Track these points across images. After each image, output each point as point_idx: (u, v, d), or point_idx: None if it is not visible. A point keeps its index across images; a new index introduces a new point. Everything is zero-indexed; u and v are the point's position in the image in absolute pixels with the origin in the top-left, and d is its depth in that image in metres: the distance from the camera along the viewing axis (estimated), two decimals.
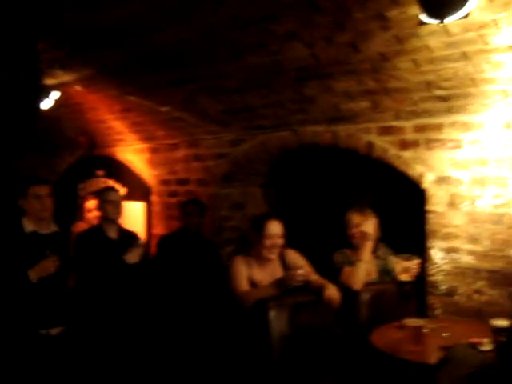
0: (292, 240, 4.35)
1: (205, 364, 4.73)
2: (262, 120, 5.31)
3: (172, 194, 6.62)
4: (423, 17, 2.96)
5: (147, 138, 6.74)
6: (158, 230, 6.73)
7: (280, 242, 4.18)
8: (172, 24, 4.04)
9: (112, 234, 4.77)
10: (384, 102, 4.37)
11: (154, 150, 6.81)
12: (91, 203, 6.24)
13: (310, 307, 4.02)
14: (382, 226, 4.50)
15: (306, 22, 3.73)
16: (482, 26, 3.31)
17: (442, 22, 2.91)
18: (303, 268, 4.20)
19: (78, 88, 5.86)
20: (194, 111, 5.65)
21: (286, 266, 4.26)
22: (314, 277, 4.20)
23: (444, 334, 3.59)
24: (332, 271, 4.31)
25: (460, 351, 2.89)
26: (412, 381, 3.38)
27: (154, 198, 6.92)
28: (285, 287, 3.97)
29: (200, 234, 5.59)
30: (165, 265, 5.33)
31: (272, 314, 3.83)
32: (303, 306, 4.00)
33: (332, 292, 3.98)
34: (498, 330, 3.12)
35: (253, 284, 4.09)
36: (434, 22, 2.98)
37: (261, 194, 6.26)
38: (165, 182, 6.74)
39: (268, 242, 4.12)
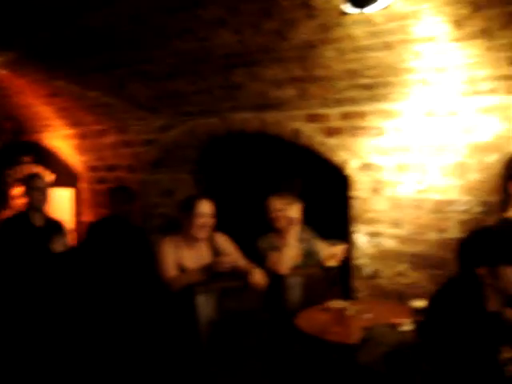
0: (222, 225, 4.37)
1: (133, 349, 4.72)
2: (191, 106, 5.30)
3: (100, 181, 6.52)
4: (345, 6, 3.03)
5: (75, 123, 6.62)
6: (87, 217, 6.64)
7: (210, 221, 4.18)
8: (98, 7, 3.98)
9: (37, 221, 4.69)
10: (310, 89, 4.44)
11: (81, 136, 6.69)
12: (17, 190, 6.11)
13: (237, 292, 4.05)
14: (310, 211, 4.57)
15: (233, 8, 3.74)
16: (404, 16, 3.40)
17: (362, 11, 2.98)
18: (231, 253, 4.24)
19: (2, 72, 5.71)
20: (122, 97, 5.58)
21: (215, 249, 4.28)
22: (242, 262, 4.24)
23: (366, 316, 3.70)
24: (257, 256, 4.36)
25: (379, 331, 2.99)
26: (337, 361, 3.47)
27: (83, 185, 6.81)
28: (212, 273, 3.99)
29: (129, 220, 5.55)
30: (93, 252, 5.27)
31: (199, 299, 3.85)
32: (231, 291, 4.02)
33: (258, 277, 4.03)
34: (417, 311, 3.24)
35: (181, 267, 4.10)
36: (354, 11, 3.04)
37: (190, 181, 6.24)
38: (93, 169, 6.64)
39: (198, 221, 4.12)
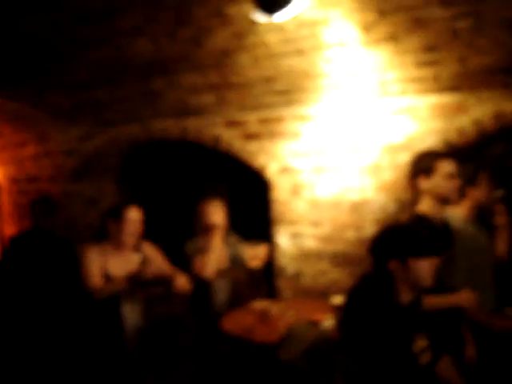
0: (147, 232, 4.38)
1: (60, 360, 4.67)
2: (111, 115, 5.28)
3: (22, 193, 6.41)
4: (255, 14, 3.11)
5: None
6: (10, 230, 6.51)
7: (139, 228, 4.19)
8: (14, 17, 3.94)
9: None
10: (228, 96, 4.51)
11: (1, 148, 6.56)
12: None
13: (162, 299, 4.07)
14: (236, 215, 4.63)
15: (149, 17, 3.77)
16: (314, 23, 3.52)
17: (271, 19, 3.06)
18: (157, 260, 4.26)
19: None
20: (41, 107, 5.50)
21: (141, 257, 4.28)
22: (167, 268, 4.26)
23: (289, 314, 3.78)
24: (184, 261, 4.39)
25: (299, 329, 3.08)
26: (261, 360, 3.54)
27: (4, 198, 6.67)
28: (138, 280, 3.99)
29: (53, 232, 5.47)
30: (15, 266, 5.18)
31: (125, 307, 3.85)
32: (156, 298, 4.04)
33: (182, 282, 4.05)
34: (336, 307, 3.35)
35: (106, 275, 4.07)
36: (264, 19, 3.12)
37: (114, 189, 6.19)
38: (14, 181, 6.51)
39: (127, 228, 4.10)
